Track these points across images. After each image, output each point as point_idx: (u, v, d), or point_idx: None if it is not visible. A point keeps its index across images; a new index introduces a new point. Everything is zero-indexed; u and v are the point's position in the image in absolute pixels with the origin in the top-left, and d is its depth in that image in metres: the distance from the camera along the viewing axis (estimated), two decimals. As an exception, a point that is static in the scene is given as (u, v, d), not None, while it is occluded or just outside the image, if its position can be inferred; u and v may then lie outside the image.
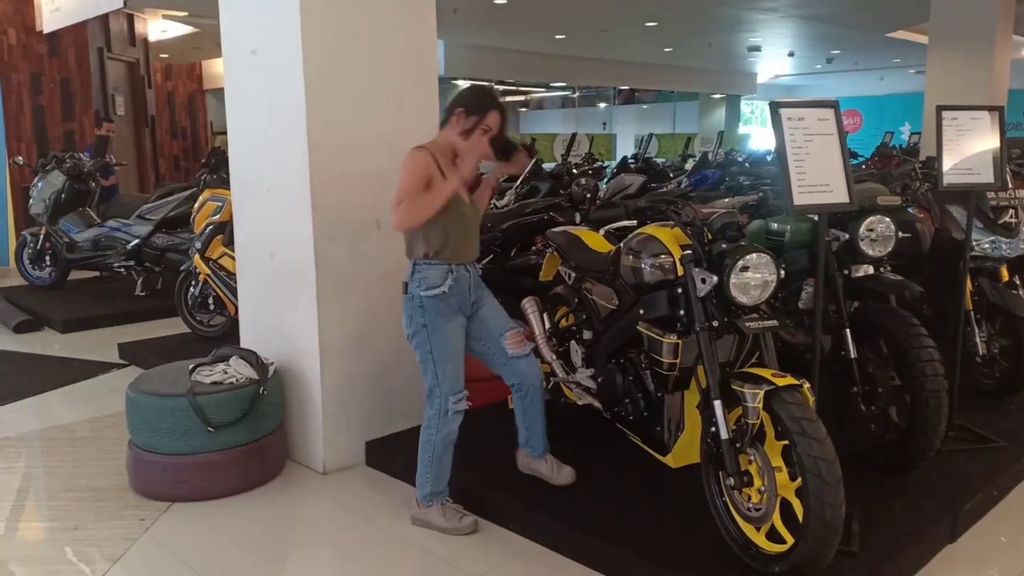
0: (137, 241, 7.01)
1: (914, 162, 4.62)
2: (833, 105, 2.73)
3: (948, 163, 3.41)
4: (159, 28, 12.20)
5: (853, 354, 3.17)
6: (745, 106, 24.68)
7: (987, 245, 4.03)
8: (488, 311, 3.05)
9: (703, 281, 2.53)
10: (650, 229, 2.89)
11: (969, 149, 3.43)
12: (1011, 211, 4.12)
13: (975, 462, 3.31)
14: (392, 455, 3.55)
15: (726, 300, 2.52)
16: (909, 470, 3.11)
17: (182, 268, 5.72)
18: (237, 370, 3.42)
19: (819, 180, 2.64)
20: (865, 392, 3.20)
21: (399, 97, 3.63)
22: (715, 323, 2.54)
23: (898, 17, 10.50)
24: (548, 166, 8.23)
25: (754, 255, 2.49)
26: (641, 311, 2.81)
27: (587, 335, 3.34)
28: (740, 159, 15.18)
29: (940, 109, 3.43)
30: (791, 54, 15.26)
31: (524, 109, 25.34)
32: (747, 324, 2.48)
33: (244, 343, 3.88)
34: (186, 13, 10.83)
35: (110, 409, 4.33)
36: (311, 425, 3.56)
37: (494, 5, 10.15)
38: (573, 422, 3.53)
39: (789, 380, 2.34)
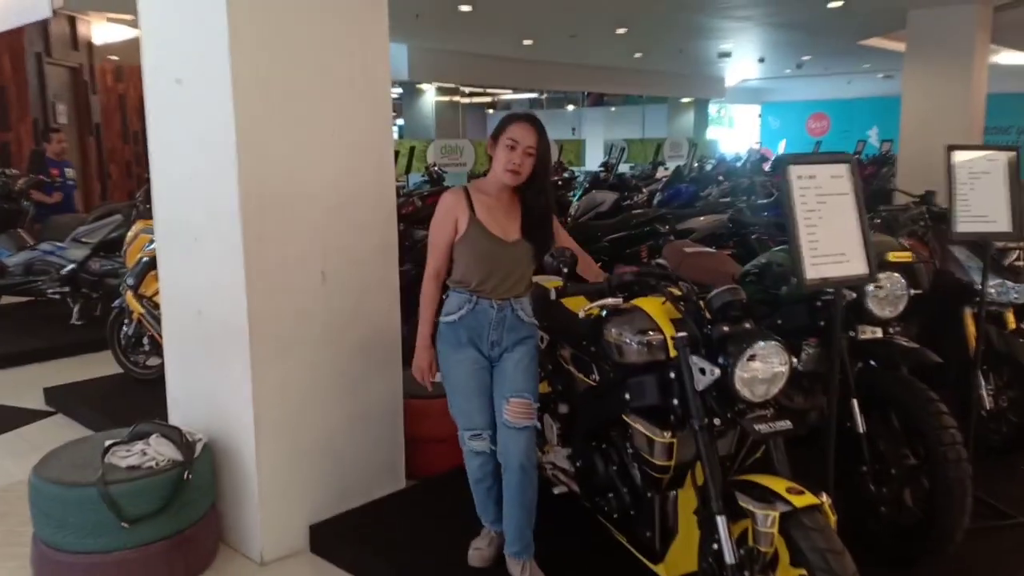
0: (72, 266, 6.49)
1: (919, 208, 4.26)
2: (848, 160, 2.35)
3: (960, 209, 3.06)
4: (106, 31, 11.55)
5: (862, 428, 2.81)
6: (712, 107, 24.51)
7: (993, 289, 3.69)
8: (510, 364, 2.70)
9: (703, 372, 2.13)
10: (638, 300, 2.49)
11: (982, 193, 3.08)
12: (1018, 252, 3.80)
13: (995, 543, 2.97)
14: (341, 541, 3.12)
15: (728, 392, 2.13)
16: (925, 563, 2.75)
17: (114, 304, 5.21)
18: (158, 451, 2.96)
19: (833, 248, 2.26)
20: (875, 471, 2.84)
21: (347, 129, 3.19)
22: (717, 421, 2.14)
23: (871, 26, 10.26)
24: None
25: (763, 342, 2.10)
26: (626, 395, 2.40)
27: (563, 408, 2.93)
28: (709, 167, 14.92)
29: (950, 149, 3.09)
30: (761, 60, 15.02)
31: (491, 111, 24.92)
32: (756, 427, 2.09)
33: (171, 413, 3.42)
34: (132, 17, 10.20)
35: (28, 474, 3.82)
36: (247, 507, 3.11)
37: (459, 11, 9.71)
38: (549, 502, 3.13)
39: (808, 499, 1.96)
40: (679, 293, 2.33)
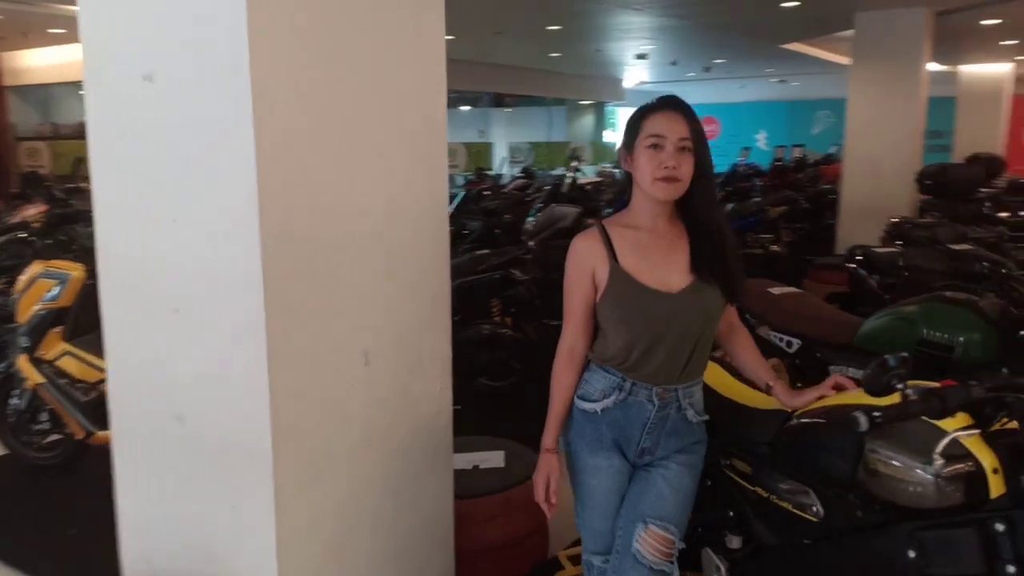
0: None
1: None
2: None
3: None
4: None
5: None
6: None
7: None
8: (661, 481, 1.95)
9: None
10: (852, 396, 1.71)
11: None
12: None
13: None
14: None
15: None
16: None
17: None
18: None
19: None
20: None
21: (397, 151, 2.24)
22: None
23: (816, 28, 10.03)
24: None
25: None
26: (911, 553, 1.61)
27: (734, 543, 2.10)
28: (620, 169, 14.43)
29: None
30: (674, 63, 14.70)
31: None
32: None
33: (124, 544, 2.36)
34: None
35: None
36: None
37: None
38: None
39: None
40: None
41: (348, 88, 2.08)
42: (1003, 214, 6.86)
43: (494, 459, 3.14)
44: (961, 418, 1.62)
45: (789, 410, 1.98)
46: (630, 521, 1.94)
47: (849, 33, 10.01)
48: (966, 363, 2.59)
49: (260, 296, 1.91)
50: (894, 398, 1.57)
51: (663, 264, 1.90)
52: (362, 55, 2.10)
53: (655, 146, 1.85)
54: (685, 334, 1.89)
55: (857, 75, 8.85)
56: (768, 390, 2.00)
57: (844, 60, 14.36)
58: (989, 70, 14.64)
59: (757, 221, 8.25)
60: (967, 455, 1.58)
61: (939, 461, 1.60)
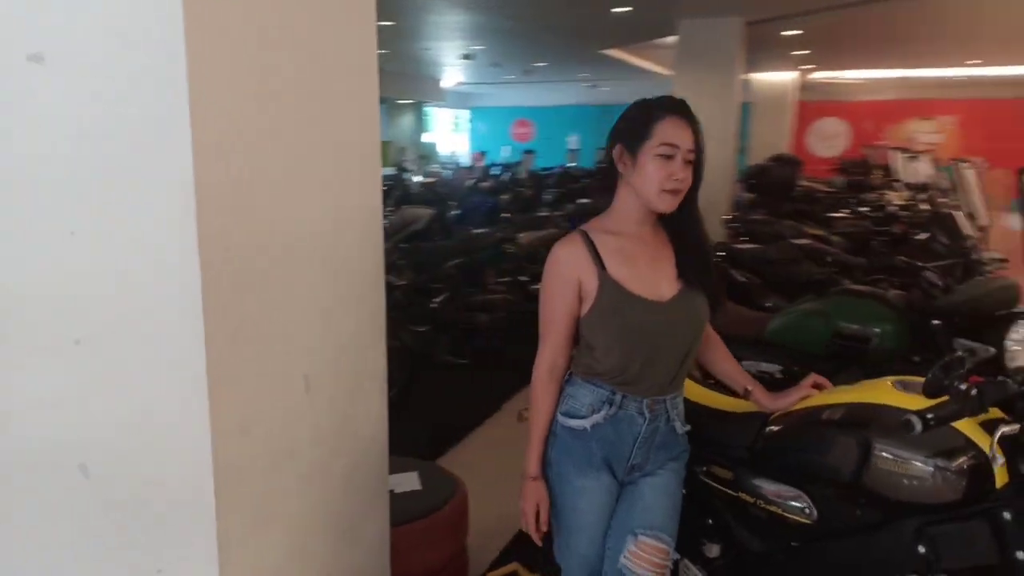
0: None
1: None
2: None
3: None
4: None
5: None
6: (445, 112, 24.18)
7: None
8: (649, 490, 1.85)
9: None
10: (904, 399, 1.72)
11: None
12: None
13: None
14: None
15: None
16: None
17: None
18: None
19: None
20: None
21: (333, 147, 1.99)
22: None
23: (641, 33, 10.43)
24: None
25: None
26: (923, 550, 1.63)
27: (714, 551, 2.05)
28: (448, 170, 14.40)
29: (1021, 172, 2.74)
30: (496, 64, 14.82)
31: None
32: None
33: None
34: None
35: None
36: None
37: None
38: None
39: None
40: None
41: (291, 66, 1.81)
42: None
43: (409, 481, 2.94)
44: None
45: (769, 413, 1.96)
46: (619, 537, 1.84)
47: (664, 40, 10.57)
48: (881, 353, 2.75)
49: (199, 319, 1.61)
50: (915, 399, 1.59)
51: (651, 272, 1.81)
52: (296, 60, 1.83)
53: (667, 156, 1.75)
54: (678, 344, 1.82)
55: (680, 81, 9.32)
56: (747, 395, 1.97)
57: (654, 67, 15.21)
58: (778, 78, 16.04)
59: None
60: (973, 447, 1.62)
61: (944, 457, 1.63)
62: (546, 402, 1.84)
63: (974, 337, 2.63)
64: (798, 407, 1.89)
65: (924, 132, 18.24)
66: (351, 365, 2.12)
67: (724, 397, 2.07)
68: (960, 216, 3.66)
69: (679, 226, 1.85)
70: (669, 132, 1.75)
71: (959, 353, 2.11)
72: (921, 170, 8.82)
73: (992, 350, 2.58)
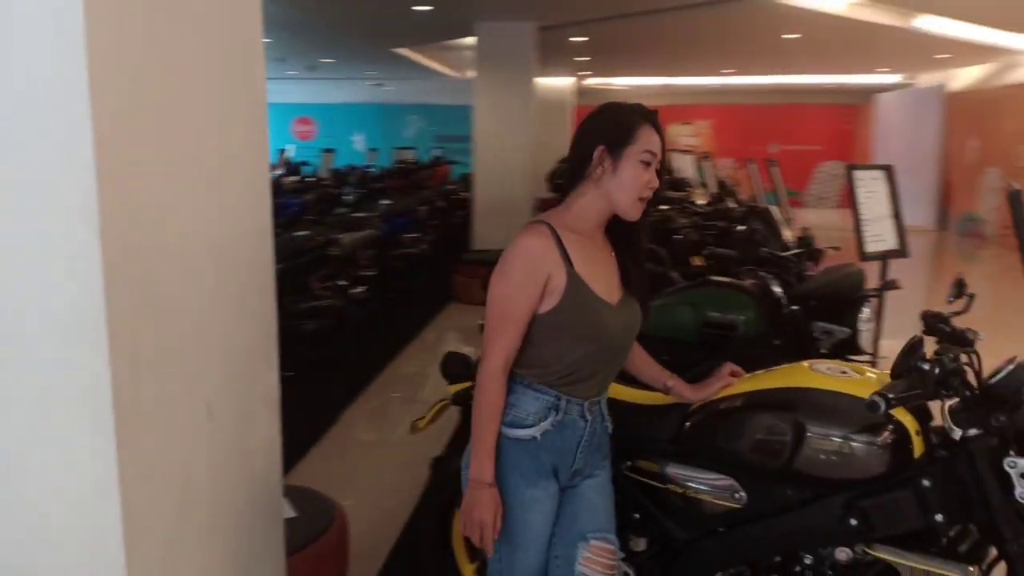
0: None
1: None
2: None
3: (865, 230, 3.04)
4: None
5: None
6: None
7: None
8: (592, 492, 1.83)
9: (1031, 477, 1.60)
10: (828, 381, 1.82)
11: (874, 213, 3.11)
12: None
13: None
14: None
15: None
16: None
17: None
18: None
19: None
20: None
21: (223, 149, 1.76)
22: None
23: (439, 33, 10.39)
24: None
25: None
26: (855, 522, 1.73)
27: (640, 544, 2.05)
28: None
29: (851, 169, 3.04)
30: (282, 59, 14.12)
31: None
32: None
33: None
34: None
35: None
36: None
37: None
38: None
39: None
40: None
41: (177, 58, 1.56)
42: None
43: (284, 508, 2.68)
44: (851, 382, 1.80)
45: (688, 404, 2.00)
46: (569, 544, 1.79)
47: (458, 42, 10.66)
48: (745, 339, 2.92)
49: (104, 346, 1.34)
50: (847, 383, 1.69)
51: (604, 275, 1.78)
52: (182, 24, 1.59)
53: (647, 163, 1.71)
54: (623, 347, 1.81)
55: (481, 84, 9.41)
56: (667, 390, 1.99)
57: (442, 68, 15.31)
58: (557, 83, 16.76)
59: (408, 221, 8.34)
60: (894, 421, 1.75)
61: (868, 432, 1.75)
62: (500, 400, 1.74)
63: (829, 320, 2.89)
64: (719, 396, 1.94)
65: (684, 135, 19.95)
66: (247, 388, 1.89)
67: (642, 392, 2.09)
68: (776, 210, 4.03)
69: (625, 234, 1.82)
70: (651, 140, 1.72)
71: (817, 335, 2.27)
72: (707, 170, 9.59)
73: (847, 331, 2.85)
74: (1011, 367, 1.67)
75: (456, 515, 2.42)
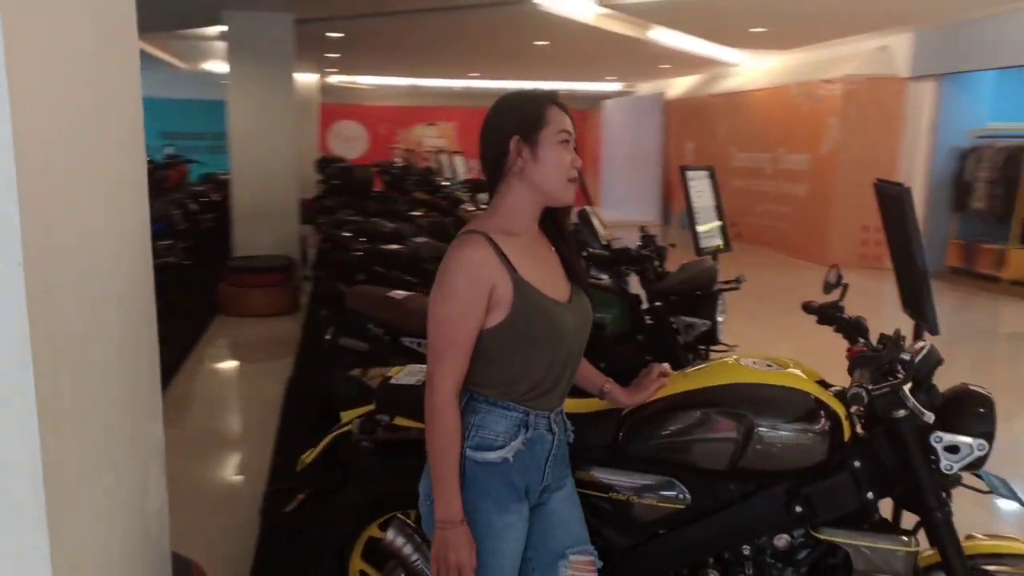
0: None
1: None
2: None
3: (698, 227, 3.24)
4: None
5: None
6: None
7: None
8: (562, 506, 1.74)
9: (954, 450, 1.76)
10: (761, 375, 1.87)
11: (704, 212, 3.32)
12: None
13: None
14: None
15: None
16: None
17: None
18: None
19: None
20: None
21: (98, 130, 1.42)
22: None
23: (184, 19, 9.44)
24: None
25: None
26: (800, 509, 1.81)
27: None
28: None
29: (684, 170, 3.22)
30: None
31: None
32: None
33: None
34: None
35: None
36: None
37: None
38: None
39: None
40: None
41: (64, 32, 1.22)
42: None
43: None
44: (788, 375, 1.89)
45: (621, 409, 1.95)
46: (549, 566, 1.68)
47: (191, 31, 9.82)
48: (613, 336, 2.93)
49: (28, 360, 0.99)
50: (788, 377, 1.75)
51: (550, 273, 1.67)
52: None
53: (565, 142, 1.60)
54: (579, 347, 1.71)
55: (235, 78, 8.74)
56: (603, 394, 1.92)
57: (170, 58, 14.03)
58: (303, 79, 16.11)
59: (161, 227, 7.52)
60: (826, 408, 1.84)
61: (804, 422, 1.82)
62: (458, 428, 1.57)
63: (687, 314, 3.01)
64: (655, 398, 1.92)
65: (429, 136, 20.18)
66: (142, 447, 1.53)
67: (570, 400, 2.01)
68: (591, 210, 4.15)
69: (558, 225, 1.73)
70: (562, 119, 1.62)
71: (678, 328, 2.34)
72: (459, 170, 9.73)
73: (708, 323, 2.99)
74: (925, 351, 1.84)
75: (355, 551, 2.19)
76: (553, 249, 1.73)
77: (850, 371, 1.87)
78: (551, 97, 1.65)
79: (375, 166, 11.25)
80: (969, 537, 1.89)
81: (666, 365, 1.97)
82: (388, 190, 9.82)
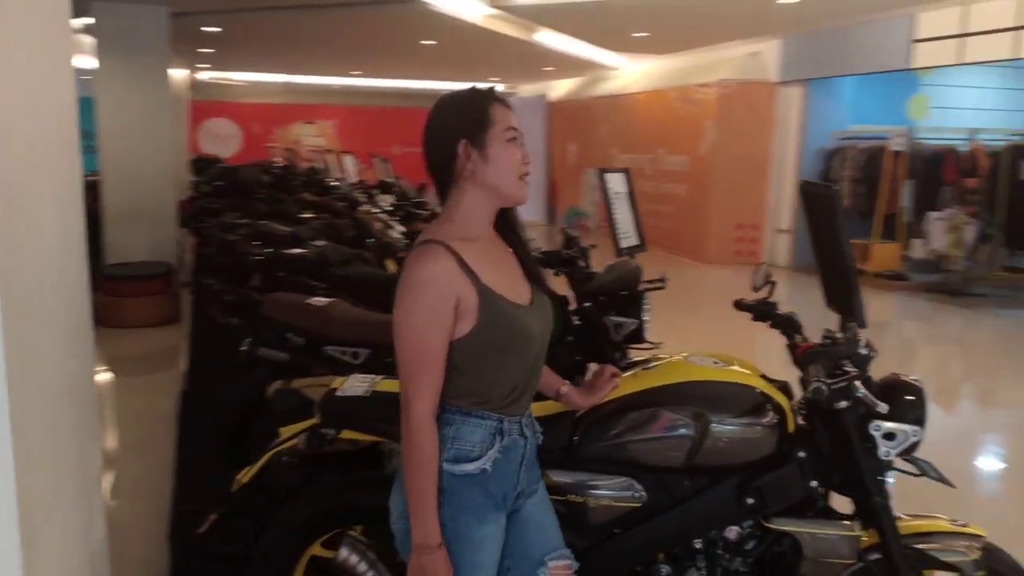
0: None
1: None
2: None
3: (618, 229, 3.30)
4: None
5: None
6: None
7: None
8: (536, 511, 1.73)
9: (891, 437, 1.86)
10: (712, 372, 1.91)
11: (620, 212, 3.38)
12: None
13: None
14: None
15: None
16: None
17: None
18: None
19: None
20: None
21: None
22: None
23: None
24: None
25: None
26: (752, 501, 1.87)
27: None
28: None
29: (603, 172, 3.28)
30: None
31: None
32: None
33: None
34: None
35: None
36: None
37: None
38: None
39: (977, 528, 1.99)
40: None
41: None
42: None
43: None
44: (734, 372, 1.95)
45: (574, 411, 1.96)
46: (527, 572, 1.66)
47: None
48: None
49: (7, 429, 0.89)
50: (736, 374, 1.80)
51: (510, 275, 1.65)
52: None
53: (513, 139, 1.58)
54: (544, 348, 1.69)
55: (104, 74, 8.20)
56: (559, 397, 1.92)
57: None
58: (173, 75, 15.31)
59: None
60: (772, 401, 1.91)
61: (752, 416, 1.88)
62: (436, 449, 1.52)
63: (617, 314, 3.03)
64: (608, 399, 1.93)
65: (308, 135, 19.64)
66: (85, 476, 1.40)
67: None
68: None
69: (511, 226, 1.70)
70: (506, 116, 1.59)
71: (608, 328, 2.38)
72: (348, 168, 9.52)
73: (636, 322, 3.02)
74: (864, 345, 1.94)
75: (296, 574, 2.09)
76: (510, 250, 1.71)
77: (800, 365, 1.94)
78: (492, 95, 1.62)
79: (257, 165, 10.84)
80: (896, 519, 2.00)
81: (616, 368, 1.99)
82: (272, 191, 9.47)
